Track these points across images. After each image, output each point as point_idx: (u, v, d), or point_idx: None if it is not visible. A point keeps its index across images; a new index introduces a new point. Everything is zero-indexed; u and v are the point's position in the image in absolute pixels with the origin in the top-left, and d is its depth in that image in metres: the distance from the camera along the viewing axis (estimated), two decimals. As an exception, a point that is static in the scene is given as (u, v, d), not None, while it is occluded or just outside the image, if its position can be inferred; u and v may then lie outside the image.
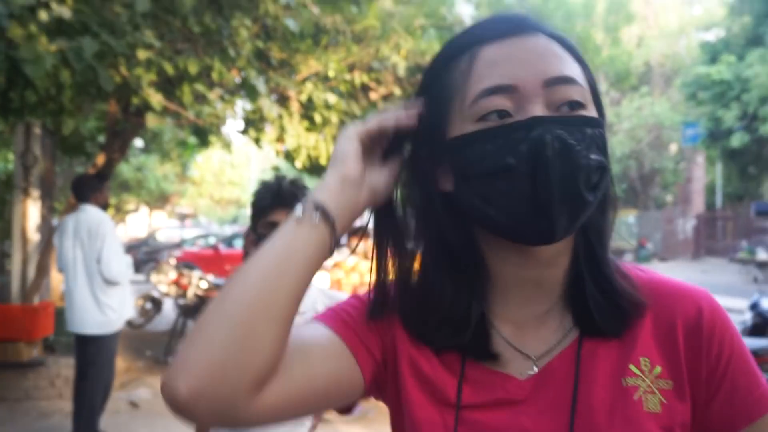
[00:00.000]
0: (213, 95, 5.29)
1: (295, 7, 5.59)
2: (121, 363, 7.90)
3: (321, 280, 6.58)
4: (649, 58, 32.25)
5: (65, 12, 4.02)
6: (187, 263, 12.25)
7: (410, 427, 0.92)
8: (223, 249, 18.66)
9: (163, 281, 11.13)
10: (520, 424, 0.87)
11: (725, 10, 28.51)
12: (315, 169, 8.09)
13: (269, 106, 5.32)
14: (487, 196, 0.84)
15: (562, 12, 10.74)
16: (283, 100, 6.08)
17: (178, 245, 21.92)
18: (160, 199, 23.93)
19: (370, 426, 6.16)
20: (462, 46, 0.89)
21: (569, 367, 0.88)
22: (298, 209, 0.86)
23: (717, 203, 32.65)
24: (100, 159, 7.15)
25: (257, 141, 6.76)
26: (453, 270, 0.91)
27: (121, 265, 5.01)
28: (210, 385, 0.77)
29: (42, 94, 4.36)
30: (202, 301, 8.69)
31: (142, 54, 4.46)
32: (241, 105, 6.28)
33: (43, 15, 3.96)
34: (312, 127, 6.05)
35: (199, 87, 5.11)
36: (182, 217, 39.05)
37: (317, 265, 0.86)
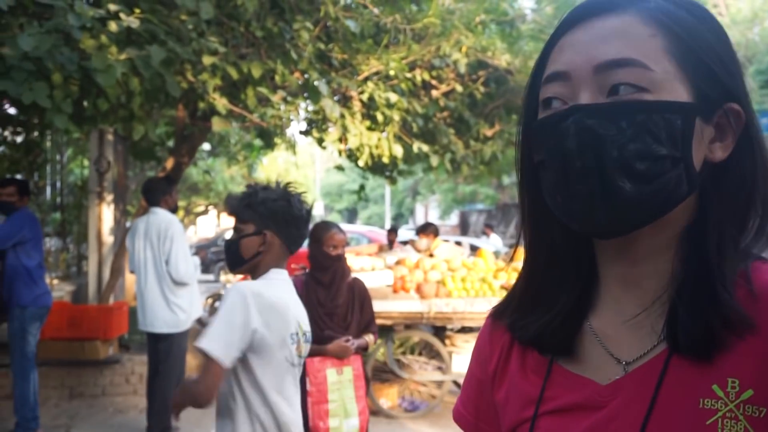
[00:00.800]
0: (276, 98, 5.37)
1: (355, 8, 5.62)
2: (191, 360, 8.11)
3: (385, 278, 6.59)
4: (721, 45, 31.15)
5: (134, 22, 4.14)
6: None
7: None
8: (290, 248, 18.87)
9: (231, 280, 11.37)
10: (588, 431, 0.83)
11: (802, -7, 27.30)
12: (377, 167, 8.12)
13: (331, 107, 5.36)
14: (546, 187, 0.85)
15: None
16: (345, 100, 6.12)
17: (246, 245, 22.23)
18: (227, 201, 24.37)
19: (437, 422, 6.15)
20: (555, 32, 0.87)
21: (652, 378, 0.81)
22: None
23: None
24: (170, 163, 7.34)
25: (320, 141, 6.82)
26: (557, 264, 0.91)
27: (188, 266, 5.14)
28: None
29: (113, 101, 4.50)
30: (269, 300, 8.81)
31: (207, 60, 4.56)
32: (304, 106, 6.35)
33: (113, 26, 4.09)
34: (374, 126, 6.07)
35: (263, 90, 5.19)
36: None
37: None
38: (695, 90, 0.80)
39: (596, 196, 0.77)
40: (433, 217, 38.37)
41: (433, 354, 6.61)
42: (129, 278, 8.12)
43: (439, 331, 6.69)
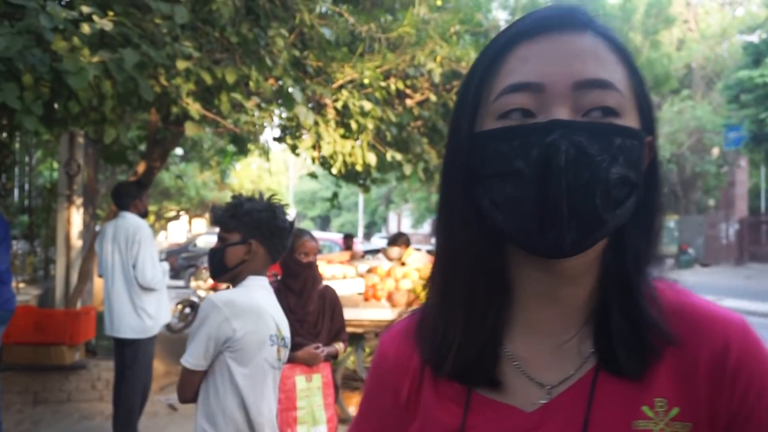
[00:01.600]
0: (250, 104, 5.36)
1: (331, 16, 5.64)
2: (160, 367, 8.03)
3: (357, 286, 6.60)
4: (690, 60, 31.70)
5: (107, 25, 4.11)
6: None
7: None
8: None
9: (202, 286, 11.30)
10: None
11: (769, 11, 27.95)
12: (351, 175, 8.13)
13: (305, 114, 5.36)
14: (495, 199, 0.79)
15: (601, 15, 10.62)
16: (319, 108, 6.13)
17: (217, 251, 22.10)
18: (199, 206, 24.24)
19: None
20: (499, 39, 0.83)
21: (581, 402, 0.80)
22: None
23: (761, 207, 31.92)
24: (141, 167, 7.28)
25: (294, 148, 6.82)
26: (468, 284, 0.85)
27: (155, 271, 5.09)
28: None
29: (84, 104, 4.45)
30: (239, 307, 8.77)
31: (181, 64, 4.54)
32: (278, 113, 6.35)
33: (85, 28, 4.06)
34: (348, 134, 6.09)
35: (237, 96, 5.18)
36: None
37: None
38: (641, 120, 0.83)
39: (573, 215, 0.74)
40: (406, 226, 38.45)
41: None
42: (97, 283, 8.02)
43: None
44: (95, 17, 4.12)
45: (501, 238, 0.83)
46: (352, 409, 6.39)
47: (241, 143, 8.11)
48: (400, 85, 6.52)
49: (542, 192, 0.74)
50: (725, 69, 30.42)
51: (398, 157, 6.64)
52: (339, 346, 4.11)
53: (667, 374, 0.79)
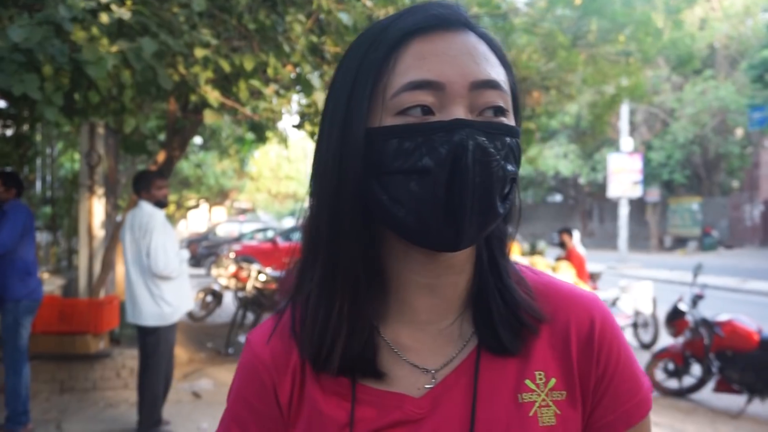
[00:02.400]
0: (269, 91, 5.34)
1: (348, 1, 5.59)
2: (183, 354, 8.10)
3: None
4: (713, 40, 31.20)
5: (125, 14, 4.11)
6: (246, 257, 12.45)
7: None
8: (281, 242, 18.90)
9: (223, 275, 11.36)
10: None
11: (793, -12, 27.39)
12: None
13: (324, 100, 5.33)
14: (396, 195, 0.79)
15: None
16: (337, 94, 6.09)
17: (237, 239, 22.32)
18: (219, 195, 24.37)
19: None
20: (389, 34, 0.83)
21: (467, 382, 0.85)
22: None
23: (786, 189, 31.47)
24: (161, 156, 7.31)
25: (313, 135, 6.80)
26: (351, 277, 0.85)
27: (168, 260, 5.08)
28: None
29: (104, 94, 4.47)
30: (260, 294, 8.82)
31: (199, 52, 4.53)
32: (297, 99, 6.33)
33: (104, 17, 4.06)
34: (366, 120, 6.05)
35: (255, 83, 5.16)
36: (241, 212, 39.71)
37: None
38: (515, 118, 0.87)
39: (476, 211, 0.78)
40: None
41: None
42: (120, 272, 8.09)
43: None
44: (113, 7, 4.12)
45: (397, 233, 0.83)
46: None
47: (260, 131, 8.10)
48: (419, 70, 6.46)
49: (450, 189, 0.77)
50: (749, 48, 29.90)
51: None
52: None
53: (543, 349, 0.88)
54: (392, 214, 0.80)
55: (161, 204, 5.27)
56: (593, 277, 10.19)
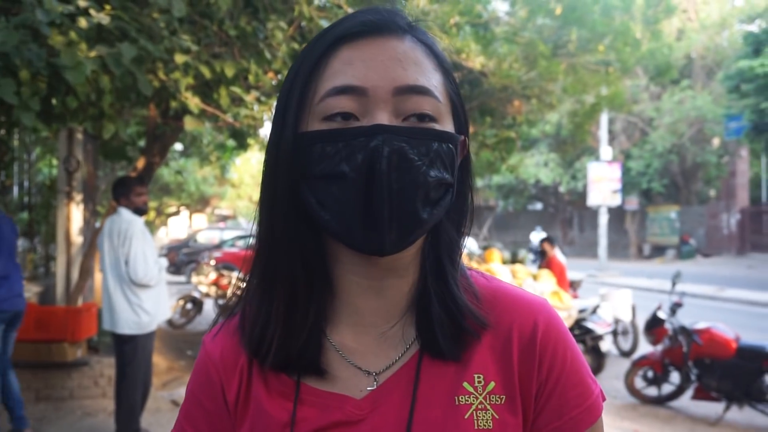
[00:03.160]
0: (250, 97, 5.33)
1: (330, 8, 5.60)
2: (162, 362, 8.02)
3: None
4: (690, 51, 31.59)
5: (104, 19, 4.07)
6: (227, 264, 12.37)
7: None
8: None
9: (203, 282, 11.29)
10: None
11: (769, 0, 27.81)
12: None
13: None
14: (322, 199, 0.81)
15: (601, 5, 10.56)
16: (318, 101, 6.09)
17: (218, 246, 22.19)
18: (200, 202, 24.24)
19: None
20: (323, 40, 0.85)
21: (407, 385, 0.86)
22: None
23: (762, 197, 31.88)
24: (141, 163, 7.24)
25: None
26: (289, 278, 0.87)
27: (148, 268, 5.02)
28: None
29: (83, 99, 4.42)
30: (241, 302, 8.76)
31: (179, 58, 4.50)
32: (278, 107, 6.30)
33: (82, 22, 4.02)
34: (348, 127, 6.05)
35: (236, 90, 5.14)
36: (222, 219, 39.52)
37: None
38: (456, 123, 0.87)
39: (395, 217, 0.78)
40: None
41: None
42: (98, 279, 8.00)
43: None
44: (92, 11, 4.08)
45: (326, 235, 0.85)
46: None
47: (241, 138, 8.06)
48: (400, 78, 6.47)
49: (366, 195, 0.77)
50: (725, 59, 30.32)
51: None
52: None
53: (484, 353, 0.88)
54: (320, 217, 0.82)
55: (140, 211, 5.22)
56: (573, 285, 10.25)
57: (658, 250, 32.96)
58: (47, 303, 7.54)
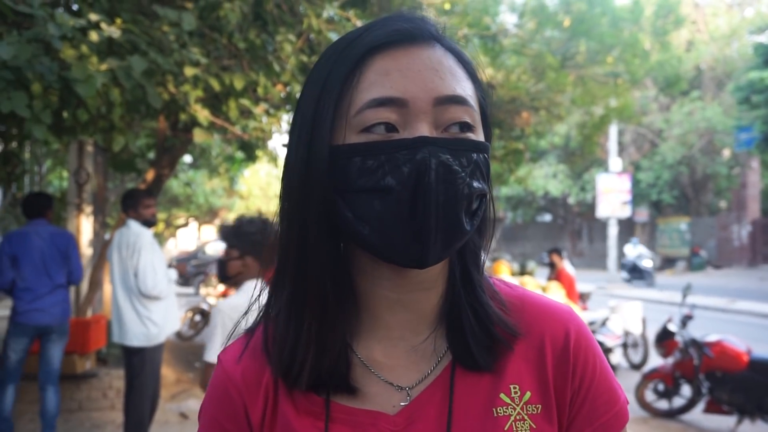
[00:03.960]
0: (259, 110, 5.35)
1: (338, 21, 5.62)
2: (171, 374, 8.02)
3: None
4: (700, 62, 31.54)
5: (115, 32, 4.11)
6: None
7: None
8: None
9: (211, 294, 11.30)
10: None
11: (778, 11, 27.77)
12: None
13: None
14: (361, 213, 0.79)
15: (609, 17, 10.57)
16: (327, 114, 6.11)
17: (227, 258, 22.15)
18: (208, 214, 24.29)
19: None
20: (354, 49, 0.82)
21: (442, 398, 0.85)
22: None
23: (773, 209, 31.68)
24: (150, 175, 7.28)
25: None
26: (321, 295, 0.84)
27: (157, 280, 5.03)
28: None
29: (93, 112, 4.45)
30: (250, 314, 8.76)
31: (189, 71, 4.53)
32: (287, 119, 6.33)
33: (93, 36, 4.05)
34: (356, 139, 6.06)
35: (245, 102, 5.16)
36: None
37: None
38: (486, 131, 0.87)
39: (441, 229, 0.77)
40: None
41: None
42: (107, 291, 8.02)
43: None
44: (103, 25, 4.12)
45: (364, 249, 0.83)
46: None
47: (250, 150, 8.10)
48: (409, 90, 6.49)
49: (413, 208, 0.76)
50: (735, 70, 30.24)
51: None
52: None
53: (518, 362, 0.87)
54: (358, 231, 0.80)
55: (149, 223, 5.23)
56: (583, 297, 10.20)
57: (669, 262, 32.79)
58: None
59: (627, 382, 8.41)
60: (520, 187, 22.07)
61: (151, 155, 9.00)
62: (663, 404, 7.24)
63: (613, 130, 25.42)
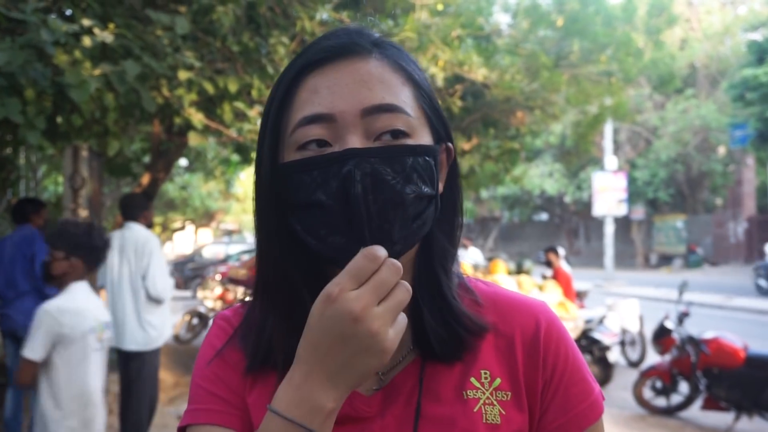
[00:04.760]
0: (253, 112, 5.35)
1: (332, 23, 5.63)
2: (168, 378, 8.02)
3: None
4: (694, 60, 31.61)
5: (108, 37, 4.11)
6: (233, 278, 12.35)
7: None
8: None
9: (209, 296, 11.29)
10: None
11: (771, 8, 27.84)
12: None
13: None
14: (306, 226, 0.83)
15: (603, 16, 10.59)
16: (322, 115, 6.11)
17: (224, 261, 22.21)
18: (205, 217, 24.29)
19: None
20: (290, 71, 0.87)
21: (415, 382, 0.89)
22: None
23: (769, 206, 31.75)
24: (146, 179, 7.28)
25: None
26: (293, 299, 0.88)
27: (166, 282, 5.06)
28: None
29: (87, 117, 4.46)
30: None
31: (183, 75, 4.53)
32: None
33: (86, 41, 4.05)
34: (351, 141, 6.06)
35: (240, 105, 5.17)
36: (227, 233, 39.57)
37: None
38: (433, 132, 0.88)
39: (375, 237, 0.79)
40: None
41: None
42: (104, 295, 8.01)
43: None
44: (96, 30, 4.12)
45: (318, 258, 0.86)
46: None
47: (245, 152, 8.09)
48: (403, 91, 6.49)
49: (345, 220, 0.79)
50: (729, 68, 30.31)
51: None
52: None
53: (489, 351, 0.91)
54: (308, 242, 0.84)
55: (149, 226, 5.26)
56: (580, 296, 10.21)
57: (665, 260, 32.83)
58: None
59: (625, 380, 8.42)
60: (516, 186, 22.11)
61: (147, 159, 8.99)
62: (661, 401, 7.25)
63: (608, 129, 25.43)
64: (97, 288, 7.23)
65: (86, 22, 4.11)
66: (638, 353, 9.58)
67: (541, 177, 32.84)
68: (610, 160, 26.95)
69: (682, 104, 29.85)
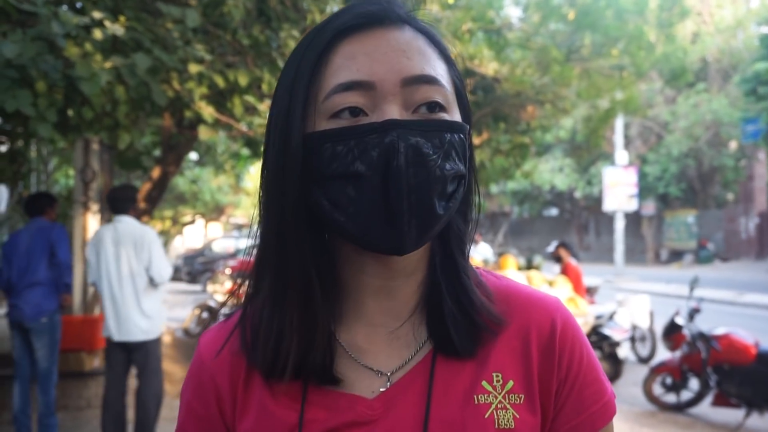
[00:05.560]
0: (263, 106, 5.35)
1: (342, 16, 5.62)
2: (178, 371, 8.04)
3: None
4: (705, 54, 31.37)
5: (119, 30, 4.11)
6: (243, 273, 12.39)
7: None
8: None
9: (219, 291, 11.33)
10: None
11: (785, 2, 27.60)
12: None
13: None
14: (336, 201, 0.79)
15: (614, 9, 10.52)
16: (332, 109, 6.11)
17: (234, 255, 22.28)
18: (215, 211, 24.35)
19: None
20: (322, 36, 0.82)
21: (422, 384, 0.84)
22: None
23: (781, 201, 31.53)
24: (156, 172, 7.30)
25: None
26: (303, 286, 0.83)
27: (169, 269, 5.12)
28: None
29: (98, 110, 4.47)
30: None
31: (193, 68, 4.53)
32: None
33: (97, 33, 4.06)
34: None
35: (250, 98, 5.17)
36: (237, 228, 39.68)
37: None
38: (461, 111, 0.85)
39: (414, 214, 0.76)
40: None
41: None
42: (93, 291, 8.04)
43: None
44: (107, 23, 4.12)
45: (342, 237, 0.82)
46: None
47: (255, 146, 8.10)
48: (414, 85, 6.48)
49: (384, 193, 0.75)
50: (741, 62, 30.08)
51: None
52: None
53: (501, 351, 0.86)
54: (334, 219, 0.79)
55: (137, 218, 5.27)
56: (590, 291, 10.17)
57: (676, 255, 32.69)
58: (64, 313, 7.60)
59: (635, 376, 8.39)
60: (527, 181, 22.05)
61: (157, 152, 9.01)
62: (671, 398, 7.22)
63: (619, 123, 25.31)
64: (87, 285, 7.27)
65: (97, 14, 4.12)
66: (648, 349, 9.54)
67: (551, 172, 32.74)
68: (621, 155, 26.82)
69: (693, 98, 29.66)
